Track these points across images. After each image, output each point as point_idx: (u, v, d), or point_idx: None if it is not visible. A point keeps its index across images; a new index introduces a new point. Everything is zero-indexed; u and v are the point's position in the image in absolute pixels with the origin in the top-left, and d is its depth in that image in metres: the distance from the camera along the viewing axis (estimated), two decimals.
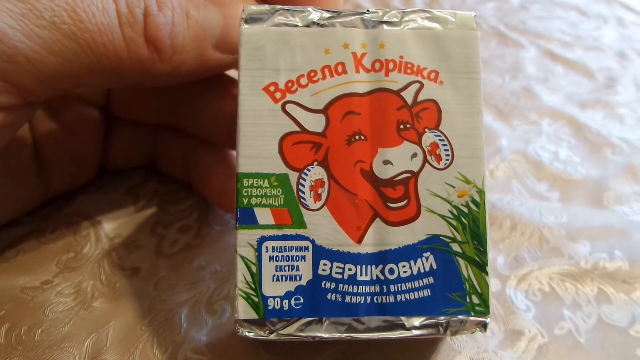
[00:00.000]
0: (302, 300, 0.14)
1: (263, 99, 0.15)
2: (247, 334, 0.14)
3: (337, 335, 0.14)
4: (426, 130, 0.15)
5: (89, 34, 0.15)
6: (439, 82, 0.15)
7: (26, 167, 0.20)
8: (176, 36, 0.16)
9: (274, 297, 0.14)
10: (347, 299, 0.15)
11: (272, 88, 0.15)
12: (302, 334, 0.14)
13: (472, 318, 0.15)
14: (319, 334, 0.14)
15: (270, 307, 0.14)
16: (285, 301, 0.14)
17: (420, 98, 0.15)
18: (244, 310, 0.14)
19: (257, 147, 0.15)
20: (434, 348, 0.18)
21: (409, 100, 0.15)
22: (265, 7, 0.15)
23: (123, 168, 0.24)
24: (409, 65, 0.15)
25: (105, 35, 0.15)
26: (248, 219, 0.15)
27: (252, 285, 0.14)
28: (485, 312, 0.15)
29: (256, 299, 0.14)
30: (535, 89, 0.31)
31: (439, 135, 0.15)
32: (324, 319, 0.14)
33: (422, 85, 0.15)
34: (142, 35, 0.16)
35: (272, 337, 0.14)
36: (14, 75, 0.15)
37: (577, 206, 0.24)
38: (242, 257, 0.14)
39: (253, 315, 0.14)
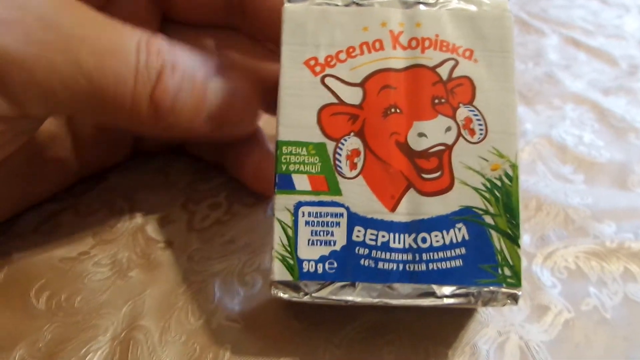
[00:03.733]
0: (335, 265, 0.15)
1: (304, 72, 0.16)
2: (281, 295, 0.15)
3: (369, 299, 0.15)
4: (460, 105, 0.16)
5: (105, 80, 0.16)
6: (473, 60, 0.16)
7: (62, 145, 0.20)
8: (177, 102, 0.17)
9: (308, 261, 0.15)
10: (380, 265, 0.15)
11: (312, 62, 0.16)
12: (335, 297, 0.15)
13: (503, 290, 0.15)
14: (352, 298, 0.15)
15: (305, 270, 0.15)
16: (320, 265, 0.15)
17: (455, 74, 0.16)
18: (279, 272, 0.15)
19: (296, 117, 0.15)
20: (462, 324, 0.18)
21: (444, 76, 0.16)
22: None
23: (154, 149, 0.24)
24: (445, 43, 0.16)
25: (118, 85, 0.16)
26: (286, 185, 0.15)
27: (288, 248, 0.15)
28: (517, 284, 0.15)
29: (291, 262, 0.15)
30: (558, 76, 0.31)
31: (473, 110, 0.16)
32: (357, 283, 0.15)
33: (457, 62, 0.16)
34: (149, 94, 0.16)
35: (305, 299, 0.15)
36: (14, 87, 0.15)
37: (601, 188, 0.24)
38: (280, 221, 0.15)
39: (288, 277, 0.15)
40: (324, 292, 0.15)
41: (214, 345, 0.17)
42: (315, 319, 0.18)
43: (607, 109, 0.28)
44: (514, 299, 0.15)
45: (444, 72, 0.16)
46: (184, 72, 0.17)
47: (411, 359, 0.17)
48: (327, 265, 0.15)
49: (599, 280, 0.20)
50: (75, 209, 0.22)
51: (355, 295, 0.15)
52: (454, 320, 0.18)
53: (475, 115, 0.16)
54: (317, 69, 0.16)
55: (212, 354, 0.17)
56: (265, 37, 0.21)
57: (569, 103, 0.29)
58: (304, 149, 0.15)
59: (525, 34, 0.35)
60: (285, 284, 0.15)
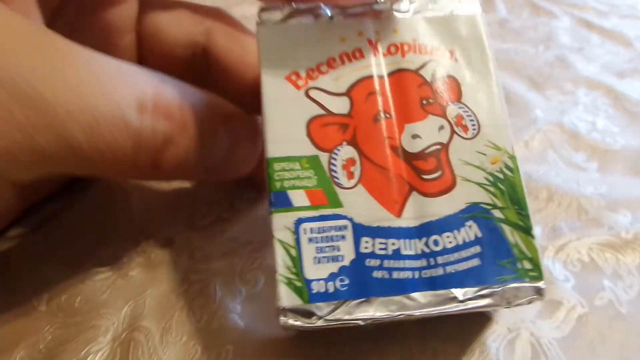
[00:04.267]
0: (347, 281, 0.14)
1: (286, 87, 0.15)
2: (292, 323, 0.13)
3: (389, 314, 0.14)
4: (449, 103, 0.16)
5: (100, 156, 0.14)
6: (454, 60, 0.16)
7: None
8: (180, 160, 0.16)
9: (317, 280, 0.14)
10: (395, 274, 0.14)
11: (293, 77, 0.15)
12: (352, 317, 0.13)
13: (526, 284, 0.14)
14: (370, 315, 0.13)
15: (314, 291, 0.14)
16: (330, 283, 0.14)
17: (438, 75, 0.16)
18: (287, 297, 0.13)
19: (284, 132, 0.15)
20: (471, 321, 0.18)
21: (428, 78, 0.16)
22: (278, 7, 0.16)
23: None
24: (423, 47, 0.16)
25: (115, 158, 0.15)
26: (283, 202, 0.14)
27: (293, 270, 0.14)
28: (539, 277, 0.14)
29: (299, 284, 0.14)
30: (570, 59, 0.30)
31: (462, 107, 0.16)
32: (373, 298, 0.14)
33: (438, 63, 0.16)
34: (153, 160, 0.15)
35: (319, 324, 0.13)
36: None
37: (616, 176, 0.23)
38: (280, 242, 0.14)
39: (297, 301, 0.13)
40: (338, 313, 0.13)
41: (216, 346, 0.17)
42: None
43: (621, 93, 0.27)
44: (540, 293, 0.14)
45: (427, 73, 0.16)
46: (194, 132, 0.16)
47: (418, 358, 0.16)
48: (337, 283, 0.14)
49: (614, 273, 0.19)
50: (75, 208, 0.21)
51: (373, 312, 0.14)
52: (462, 318, 0.18)
53: (465, 111, 0.16)
54: (300, 82, 0.15)
55: (214, 355, 0.17)
56: (232, 89, 0.19)
57: (581, 87, 0.28)
58: (297, 163, 0.15)
59: (535, 16, 0.33)
60: (294, 311, 0.13)
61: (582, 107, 0.27)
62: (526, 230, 0.15)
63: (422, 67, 0.16)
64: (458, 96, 0.16)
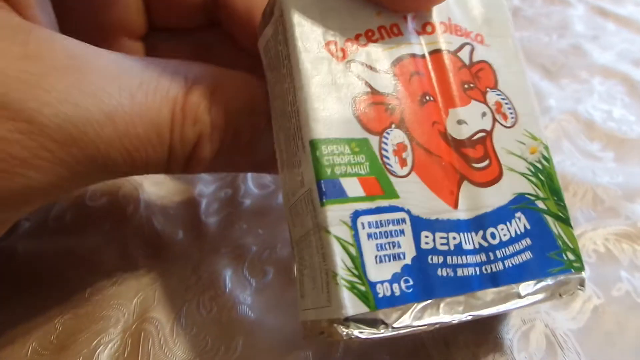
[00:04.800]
0: (411, 282, 0.12)
1: (325, 58, 0.13)
2: (357, 335, 0.11)
3: (457, 317, 0.12)
4: (488, 90, 0.15)
5: (133, 168, 0.14)
6: (485, 45, 0.15)
7: None
8: (209, 160, 0.16)
9: (381, 282, 0.12)
10: (459, 272, 0.13)
11: (332, 47, 0.13)
12: (421, 323, 0.12)
13: (572, 276, 0.14)
14: (438, 320, 0.12)
15: (380, 296, 0.12)
16: (395, 285, 0.12)
17: (474, 59, 0.15)
18: (352, 304, 0.11)
19: (330, 110, 0.13)
20: None
21: (466, 61, 0.15)
22: None
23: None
24: (458, 28, 0.15)
25: (149, 165, 0.15)
26: (335, 192, 0.12)
27: (355, 272, 0.12)
28: (582, 267, 0.14)
29: (363, 288, 0.11)
30: (585, 47, 0.29)
31: (500, 94, 0.15)
32: (439, 299, 0.12)
33: (473, 47, 0.15)
34: (184, 162, 0.15)
35: (387, 333, 0.11)
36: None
37: (633, 166, 0.22)
38: (338, 238, 0.12)
39: (363, 308, 0.11)
40: (406, 319, 0.12)
41: (226, 338, 0.17)
42: None
43: (638, 81, 0.27)
44: (582, 284, 0.14)
45: (464, 56, 0.15)
46: (228, 131, 0.15)
47: (431, 350, 0.16)
48: (402, 284, 0.12)
49: (631, 264, 0.19)
50: (83, 201, 0.21)
51: (441, 316, 0.12)
52: None
53: (503, 99, 0.15)
54: (339, 54, 0.13)
55: (224, 347, 0.16)
56: (244, 35, 0.18)
57: (596, 76, 0.27)
58: (347, 146, 0.12)
59: (549, 5, 0.33)
60: (359, 320, 0.11)
61: (597, 96, 0.26)
62: (566, 221, 0.14)
63: (460, 49, 0.15)
64: (495, 83, 0.15)
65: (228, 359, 0.16)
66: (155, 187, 0.22)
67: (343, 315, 0.11)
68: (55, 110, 0.13)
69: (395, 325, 0.12)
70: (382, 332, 0.11)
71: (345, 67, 0.13)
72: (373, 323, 0.11)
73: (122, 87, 0.14)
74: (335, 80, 0.13)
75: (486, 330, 0.17)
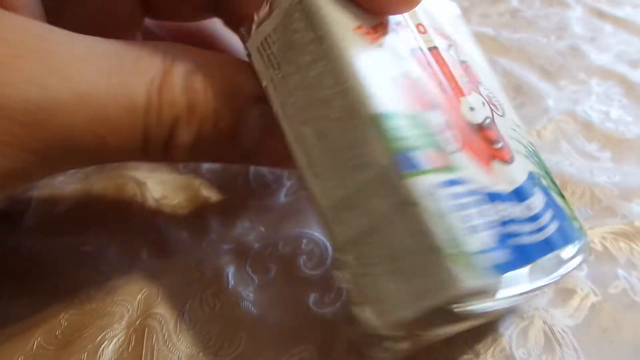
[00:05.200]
0: (499, 253, 0.12)
1: (357, 39, 0.13)
2: (471, 308, 0.11)
3: (545, 280, 0.13)
4: (477, 84, 0.16)
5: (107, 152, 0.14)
6: (460, 46, 0.16)
7: None
8: (189, 147, 0.15)
9: (480, 253, 0.12)
10: (526, 240, 0.13)
11: (361, 30, 0.13)
12: (519, 292, 0.12)
13: (584, 241, 0.15)
14: (531, 286, 0.12)
15: (483, 266, 0.11)
16: (489, 255, 0.12)
17: (460, 59, 0.16)
18: (465, 276, 0.11)
19: (381, 86, 0.12)
20: None
21: (456, 59, 0.16)
22: None
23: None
24: (439, 30, 0.16)
25: (123, 152, 0.14)
26: (411, 164, 0.12)
27: (455, 244, 0.11)
28: (585, 233, 0.15)
29: (468, 259, 0.11)
30: (583, 49, 0.29)
31: (487, 89, 0.16)
32: (527, 266, 0.13)
33: (457, 46, 0.16)
34: (162, 148, 0.15)
35: (498, 305, 0.12)
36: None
37: (630, 166, 0.23)
38: (429, 211, 0.11)
39: (475, 280, 0.11)
40: (509, 290, 0.12)
41: (229, 333, 0.17)
42: (332, 305, 0.18)
43: (635, 82, 0.27)
44: (589, 250, 0.15)
45: (453, 55, 0.16)
46: (208, 116, 0.15)
47: (430, 346, 0.16)
48: (495, 254, 0.12)
49: (628, 262, 0.19)
50: (88, 196, 0.21)
51: (530, 282, 0.12)
52: None
53: (490, 93, 0.16)
54: (369, 37, 0.13)
55: (227, 342, 0.17)
56: (240, 14, 0.18)
57: (594, 77, 0.28)
58: (407, 120, 0.12)
59: (547, 6, 0.33)
60: (471, 294, 0.11)
61: (595, 97, 0.26)
62: (562, 195, 0.15)
63: (448, 48, 0.15)
64: (479, 79, 0.16)
65: (231, 354, 0.16)
66: (158, 186, 0.22)
67: (458, 290, 0.11)
68: (21, 92, 0.12)
69: (503, 292, 0.12)
70: (495, 304, 0.12)
71: (377, 49, 0.13)
72: (484, 294, 0.11)
73: (98, 69, 0.14)
74: (375, 60, 0.13)
75: (485, 327, 0.17)
